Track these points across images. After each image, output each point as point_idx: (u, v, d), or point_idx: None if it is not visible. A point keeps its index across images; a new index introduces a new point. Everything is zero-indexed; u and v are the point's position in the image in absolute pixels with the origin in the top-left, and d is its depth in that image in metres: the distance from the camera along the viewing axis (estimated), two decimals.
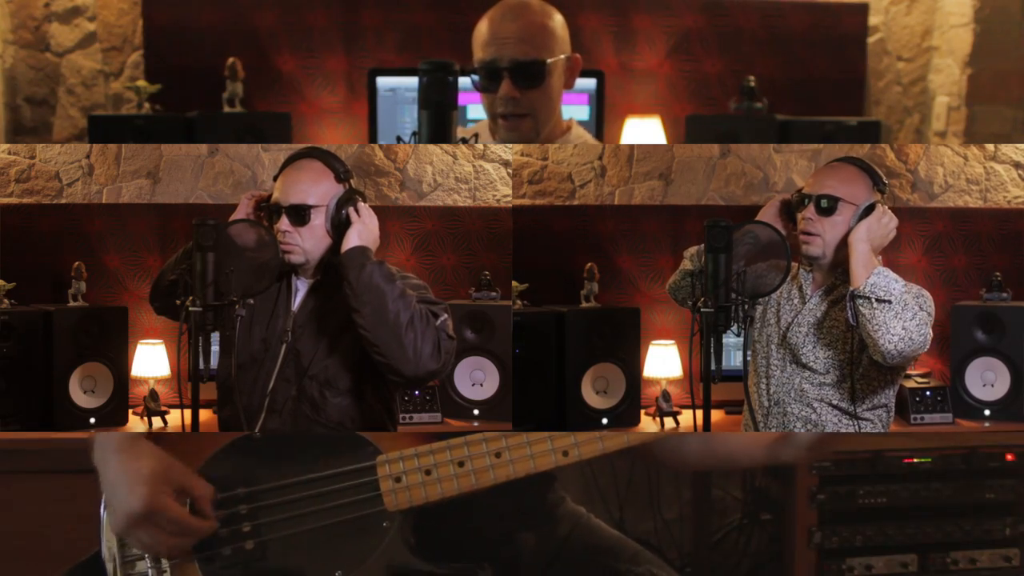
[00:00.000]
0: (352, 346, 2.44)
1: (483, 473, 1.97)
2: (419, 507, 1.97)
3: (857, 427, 2.59)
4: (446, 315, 2.45)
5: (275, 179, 2.55)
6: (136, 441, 1.99)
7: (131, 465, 1.94)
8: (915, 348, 2.43)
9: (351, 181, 2.54)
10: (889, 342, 2.40)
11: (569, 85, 2.87)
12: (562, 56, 2.80)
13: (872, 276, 2.45)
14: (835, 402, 2.59)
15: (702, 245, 2.46)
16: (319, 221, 2.48)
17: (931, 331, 2.48)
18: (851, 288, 2.47)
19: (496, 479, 1.96)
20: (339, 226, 2.47)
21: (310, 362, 2.46)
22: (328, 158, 2.53)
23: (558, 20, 2.81)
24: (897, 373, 2.61)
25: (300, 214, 2.47)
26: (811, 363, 2.60)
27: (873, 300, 2.42)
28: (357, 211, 2.46)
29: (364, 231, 2.45)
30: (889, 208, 2.59)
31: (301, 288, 2.55)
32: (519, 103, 2.75)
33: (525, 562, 2.25)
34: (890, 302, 2.42)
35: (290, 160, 2.55)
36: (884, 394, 2.61)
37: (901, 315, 2.41)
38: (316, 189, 2.48)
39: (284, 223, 2.47)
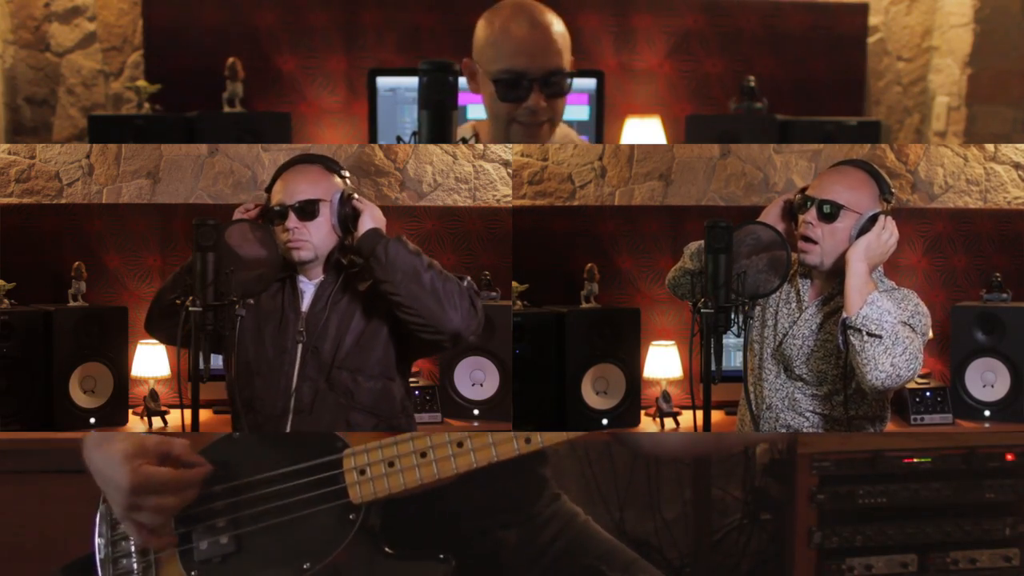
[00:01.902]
0: (376, 331, 2.50)
1: (444, 462, 2.00)
2: (384, 498, 2.02)
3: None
4: (468, 277, 2.52)
5: (267, 190, 2.61)
6: (110, 434, 2.08)
7: (108, 453, 2.02)
8: (901, 382, 2.39)
9: (347, 178, 2.61)
10: (876, 378, 2.36)
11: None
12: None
13: (865, 307, 2.38)
14: (827, 412, 2.57)
15: (703, 242, 2.45)
16: (325, 215, 2.53)
17: (922, 356, 2.42)
18: (843, 315, 2.42)
19: (458, 468, 2.00)
20: (345, 219, 2.52)
21: (334, 355, 2.49)
22: (321, 160, 2.61)
23: (564, 25, 2.82)
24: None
25: (308, 209, 2.52)
26: (804, 375, 2.57)
27: (864, 333, 2.37)
28: (361, 201, 2.53)
29: (376, 215, 2.52)
30: (891, 217, 2.53)
31: (308, 289, 2.57)
32: (544, 112, 2.73)
33: (504, 557, 2.26)
34: (880, 337, 2.36)
35: (284, 167, 2.61)
36: (879, 406, 2.59)
37: (891, 350, 2.36)
38: (318, 187, 2.55)
39: (292, 220, 2.51)
